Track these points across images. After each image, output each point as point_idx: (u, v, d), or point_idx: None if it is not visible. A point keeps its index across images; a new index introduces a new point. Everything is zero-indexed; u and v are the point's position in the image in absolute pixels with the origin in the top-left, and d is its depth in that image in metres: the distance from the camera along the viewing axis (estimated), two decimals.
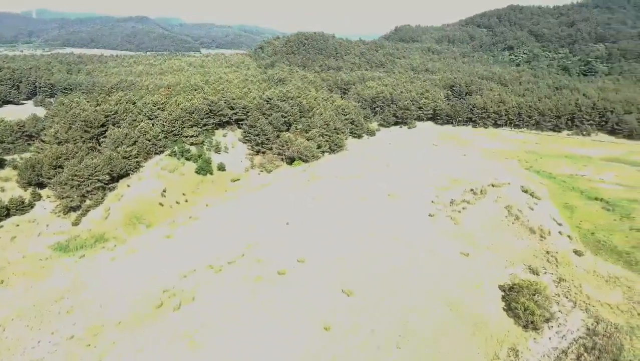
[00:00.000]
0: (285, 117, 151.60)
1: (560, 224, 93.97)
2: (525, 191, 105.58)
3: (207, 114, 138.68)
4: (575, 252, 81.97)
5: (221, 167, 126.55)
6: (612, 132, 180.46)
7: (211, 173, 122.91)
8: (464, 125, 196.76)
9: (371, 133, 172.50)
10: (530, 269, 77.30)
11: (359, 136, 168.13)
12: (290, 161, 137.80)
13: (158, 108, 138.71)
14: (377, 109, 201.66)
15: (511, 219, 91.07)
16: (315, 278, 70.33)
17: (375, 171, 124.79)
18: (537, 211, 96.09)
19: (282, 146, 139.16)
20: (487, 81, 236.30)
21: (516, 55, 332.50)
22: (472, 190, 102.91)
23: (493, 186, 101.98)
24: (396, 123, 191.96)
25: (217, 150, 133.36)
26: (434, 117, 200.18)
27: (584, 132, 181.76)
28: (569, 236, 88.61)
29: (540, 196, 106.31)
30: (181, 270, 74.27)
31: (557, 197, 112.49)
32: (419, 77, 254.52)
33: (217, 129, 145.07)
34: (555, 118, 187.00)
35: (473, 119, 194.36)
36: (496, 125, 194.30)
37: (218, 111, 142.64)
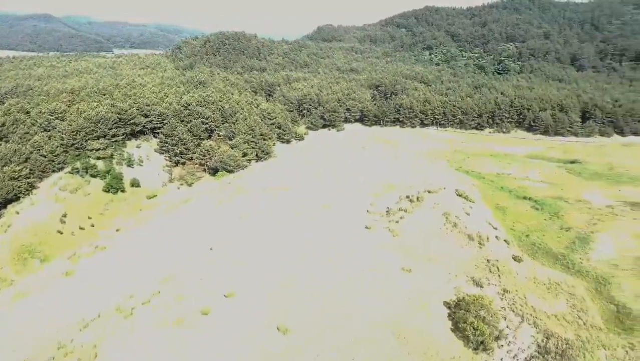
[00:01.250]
0: (206, 123, 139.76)
1: (495, 228, 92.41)
2: (460, 195, 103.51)
3: (116, 123, 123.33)
4: (515, 258, 79.97)
5: (135, 183, 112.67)
6: (530, 128, 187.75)
7: (123, 191, 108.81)
8: (391, 125, 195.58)
9: (299, 137, 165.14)
10: (473, 281, 73.64)
11: (287, 141, 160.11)
12: (214, 171, 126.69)
13: (56, 118, 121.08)
14: (304, 111, 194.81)
15: (449, 226, 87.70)
16: (246, 315, 61.14)
17: (306, 179, 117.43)
18: (473, 216, 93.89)
19: (204, 156, 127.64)
20: (411, 81, 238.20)
21: (435, 55, 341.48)
22: (407, 197, 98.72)
23: (429, 192, 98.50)
24: (324, 126, 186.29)
25: (130, 164, 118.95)
26: (361, 119, 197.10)
27: (504, 130, 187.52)
28: (505, 241, 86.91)
29: (474, 199, 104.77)
30: (83, 317, 61.76)
31: (489, 198, 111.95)
32: (344, 77, 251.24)
33: (129, 139, 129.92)
34: (478, 117, 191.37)
35: (400, 119, 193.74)
36: (423, 125, 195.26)
37: (129, 120, 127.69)
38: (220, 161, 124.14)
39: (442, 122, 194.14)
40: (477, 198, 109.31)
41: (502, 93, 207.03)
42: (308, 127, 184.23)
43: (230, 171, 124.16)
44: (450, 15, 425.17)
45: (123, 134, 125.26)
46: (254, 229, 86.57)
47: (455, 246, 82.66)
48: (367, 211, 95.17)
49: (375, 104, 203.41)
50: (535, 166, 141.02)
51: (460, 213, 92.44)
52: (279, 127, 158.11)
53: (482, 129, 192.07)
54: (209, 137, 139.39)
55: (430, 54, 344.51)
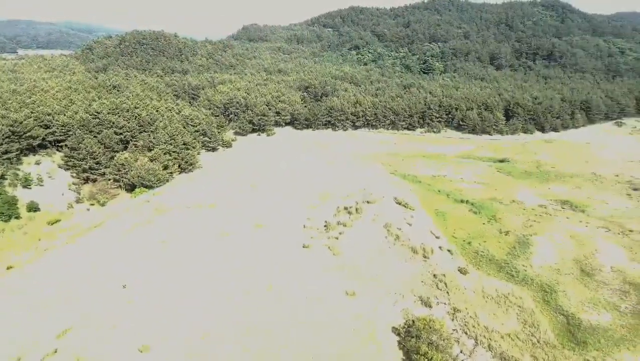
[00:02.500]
0: (120, 133, 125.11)
1: (438, 237, 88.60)
2: (399, 203, 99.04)
3: (7, 137, 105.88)
4: (460, 270, 76.07)
5: (33, 207, 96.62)
6: (458, 128, 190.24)
7: (17, 217, 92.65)
8: (323, 128, 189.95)
9: (227, 144, 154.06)
10: (421, 300, 68.42)
11: (214, 149, 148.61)
12: (131, 187, 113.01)
13: None
14: (231, 116, 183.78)
15: (392, 239, 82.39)
16: None
17: (235, 193, 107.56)
18: (415, 226, 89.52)
19: (119, 171, 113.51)
20: (341, 81, 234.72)
21: (363, 55, 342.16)
22: (346, 208, 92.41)
23: (368, 202, 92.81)
24: (254, 130, 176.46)
25: (27, 184, 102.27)
26: (292, 122, 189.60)
27: (435, 130, 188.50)
28: (449, 251, 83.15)
29: (413, 206, 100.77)
30: None
31: (428, 203, 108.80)
32: (272, 78, 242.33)
33: (25, 155, 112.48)
34: (409, 117, 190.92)
35: (332, 122, 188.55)
36: (355, 127, 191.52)
37: (25, 132, 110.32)
38: (138, 176, 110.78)
39: (374, 123, 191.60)
40: (416, 204, 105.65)
41: (430, 93, 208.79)
42: (236, 133, 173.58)
43: (149, 187, 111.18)
44: (375, 15, 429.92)
45: (17, 150, 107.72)
46: (175, 259, 75.59)
47: (399, 261, 77.33)
48: (304, 226, 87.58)
49: (305, 107, 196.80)
50: (468, 166, 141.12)
51: (402, 224, 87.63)
52: (204, 135, 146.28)
53: (413, 130, 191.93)
54: (125, 149, 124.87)
55: (357, 54, 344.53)
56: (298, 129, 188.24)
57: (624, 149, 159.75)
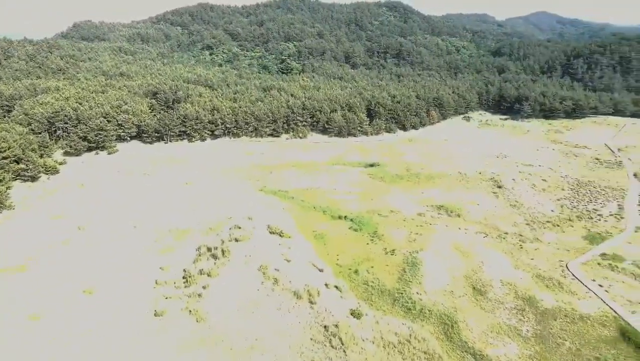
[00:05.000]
0: None
1: (322, 270, 76.32)
2: (273, 232, 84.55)
3: None
4: (353, 314, 64.36)
5: None
6: (324, 131, 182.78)
7: None
8: (178, 140, 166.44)
9: (52, 170, 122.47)
10: None
11: (33, 178, 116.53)
12: None
13: None
14: (59, 132, 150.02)
15: (269, 285, 67.30)
16: None
17: (57, 243, 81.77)
18: (295, 260, 75.81)
19: None
20: (195, 85, 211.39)
21: (217, 55, 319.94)
22: (209, 250, 74.69)
23: (236, 240, 76.08)
24: (90, 149, 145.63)
25: None
26: (140, 135, 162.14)
27: (301, 135, 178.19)
28: (337, 288, 71.20)
29: (289, 233, 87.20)
30: None
31: (304, 224, 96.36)
32: (113, 84, 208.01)
33: None
34: (273, 122, 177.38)
35: (188, 132, 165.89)
36: (214, 136, 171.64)
37: None
38: None
39: (236, 131, 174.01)
40: (292, 228, 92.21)
41: (292, 95, 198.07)
42: (67, 154, 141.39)
43: None
44: (226, 13, 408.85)
45: None
46: None
47: (281, 314, 62.57)
48: (156, 282, 67.66)
49: (155, 116, 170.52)
50: (341, 174, 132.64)
51: (279, 262, 73.16)
52: (17, 161, 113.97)
53: (279, 136, 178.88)
54: None
55: (211, 54, 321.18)
56: (147, 143, 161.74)
57: (478, 144, 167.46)
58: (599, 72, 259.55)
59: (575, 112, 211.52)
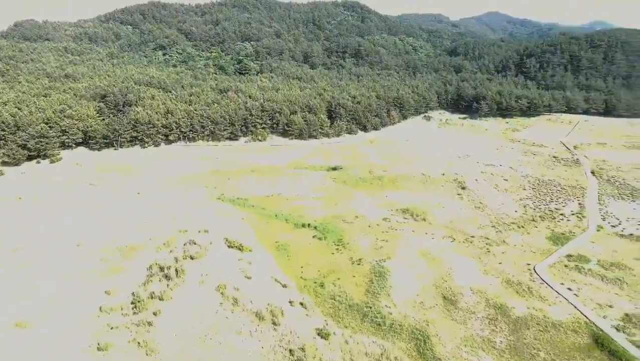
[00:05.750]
0: None
1: (285, 286, 71.47)
2: (232, 245, 78.93)
3: None
4: (320, 334, 59.92)
5: None
6: (285, 133, 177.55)
7: None
8: (129, 146, 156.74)
9: None
10: None
11: None
12: None
13: None
14: None
15: (229, 307, 61.75)
16: None
17: None
18: (256, 277, 70.57)
19: None
20: (147, 87, 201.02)
21: (170, 56, 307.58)
22: (162, 269, 68.19)
23: (192, 258, 69.87)
24: (30, 157, 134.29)
25: None
26: (86, 142, 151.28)
27: (260, 138, 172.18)
28: (302, 305, 66.50)
29: (250, 246, 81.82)
30: None
31: (265, 235, 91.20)
32: (57, 86, 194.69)
33: None
34: (230, 125, 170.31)
35: (139, 137, 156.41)
36: (168, 141, 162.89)
37: None
38: None
39: (191, 135, 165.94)
40: (253, 240, 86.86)
41: (250, 97, 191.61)
42: (4, 163, 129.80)
43: None
44: (180, 12, 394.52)
45: None
46: None
47: (242, 340, 57.19)
48: (100, 309, 60.63)
49: (103, 120, 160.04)
50: (303, 179, 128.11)
51: (239, 279, 67.73)
52: None
53: (237, 139, 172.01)
54: None
55: (164, 55, 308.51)
56: (95, 149, 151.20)
57: (439, 144, 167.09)
58: (550, 71, 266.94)
59: (530, 110, 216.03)
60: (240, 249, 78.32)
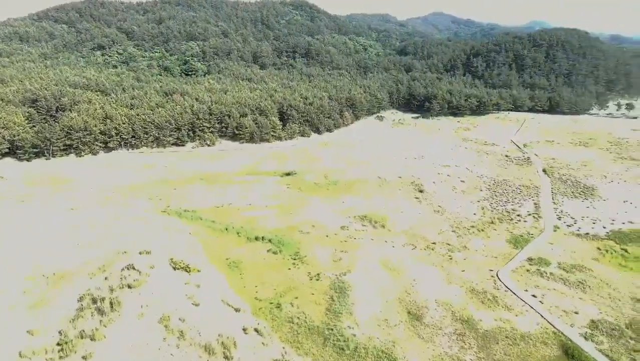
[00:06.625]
0: None
1: (238, 310, 64.98)
2: (177, 267, 71.28)
3: None
4: None
5: None
6: (234, 137, 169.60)
7: None
8: (63, 155, 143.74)
9: None
10: None
11: None
12: None
13: None
14: None
15: (173, 342, 54.54)
16: None
17: None
18: (206, 303, 63.54)
19: None
20: (83, 90, 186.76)
21: (110, 56, 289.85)
22: (94, 301, 59.80)
23: (129, 286, 61.64)
24: None
25: None
26: (14, 152, 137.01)
27: (209, 142, 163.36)
28: (257, 332, 60.34)
29: (198, 266, 74.46)
30: None
31: (215, 252, 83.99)
32: None
33: None
34: (176, 130, 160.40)
35: (75, 145, 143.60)
36: (108, 149, 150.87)
37: None
38: None
39: (134, 142, 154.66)
40: (201, 258, 79.53)
41: (197, 99, 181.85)
42: None
43: None
44: (119, 10, 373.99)
45: None
46: None
47: None
48: (20, 354, 51.77)
49: (33, 128, 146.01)
50: (255, 186, 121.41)
51: (186, 307, 60.46)
52: None
53: (184, 145, 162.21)
54: None
55: (103, 55, 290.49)
56: (23, 160, 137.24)
57: (394, 145, 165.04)
58: (497, 70, 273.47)
59: (480, 108, 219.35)
60: (187, 271, 70.86)
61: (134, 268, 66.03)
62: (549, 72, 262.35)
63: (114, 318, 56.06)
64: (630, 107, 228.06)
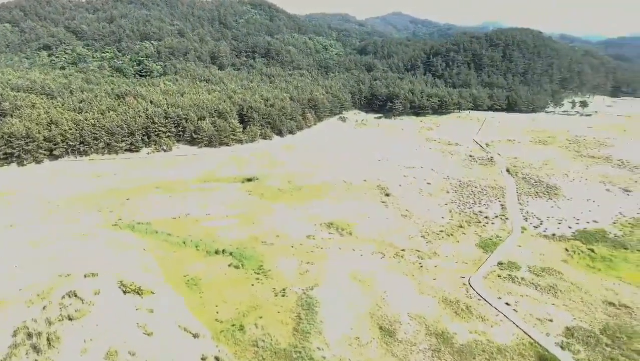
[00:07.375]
0: None
1: (197, 336, 59.16)
2: (128, 290, 64.66)
3: None
4: None
5: None
6: (192, 141, 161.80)
7: None
8: (3, 165, 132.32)
9: None
10: None
11: None
12: None
13: None
14: None
15: None
16: None
17: None
18: (160, 330, 57.54)
19: None
20: (26, 94, 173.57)
21: (57, 57, 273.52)
22: (30, 337, 52.53)
23: (70, 318, 54.66)
24: None
25: None
26: None
27: (165, 148, 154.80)
28: (217, 359, 54.94)
29: (152, 286, 68.08)
30: None
31: (172, 268, 77.55)
32: None
33: None
34: (129, 135, 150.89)
35: (15, 154, 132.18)
36: (53, 157, 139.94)
37: None
38: None
39: (83, 149, 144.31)
40: (156, 277, 72.98)
41: (152, 102, 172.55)
42: None
43: None
44: (67, 8, 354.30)
45: None
46: None
47: None
48: None
49: None
50: (215, 194, 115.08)
51: (136, 338, 54.25)
52: None
53: (138, 151, 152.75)
54: None
55: (50, 55, 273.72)
56: None
57: (358, 146, 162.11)
58: (456, 69, 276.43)
59: (441, 108, 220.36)
60: (139, 293, 64.38)
61: (75, 296, 58.93)
62: (506, 71, 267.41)
63: (51, 357, 49.22)
64: (584, 104, 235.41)
